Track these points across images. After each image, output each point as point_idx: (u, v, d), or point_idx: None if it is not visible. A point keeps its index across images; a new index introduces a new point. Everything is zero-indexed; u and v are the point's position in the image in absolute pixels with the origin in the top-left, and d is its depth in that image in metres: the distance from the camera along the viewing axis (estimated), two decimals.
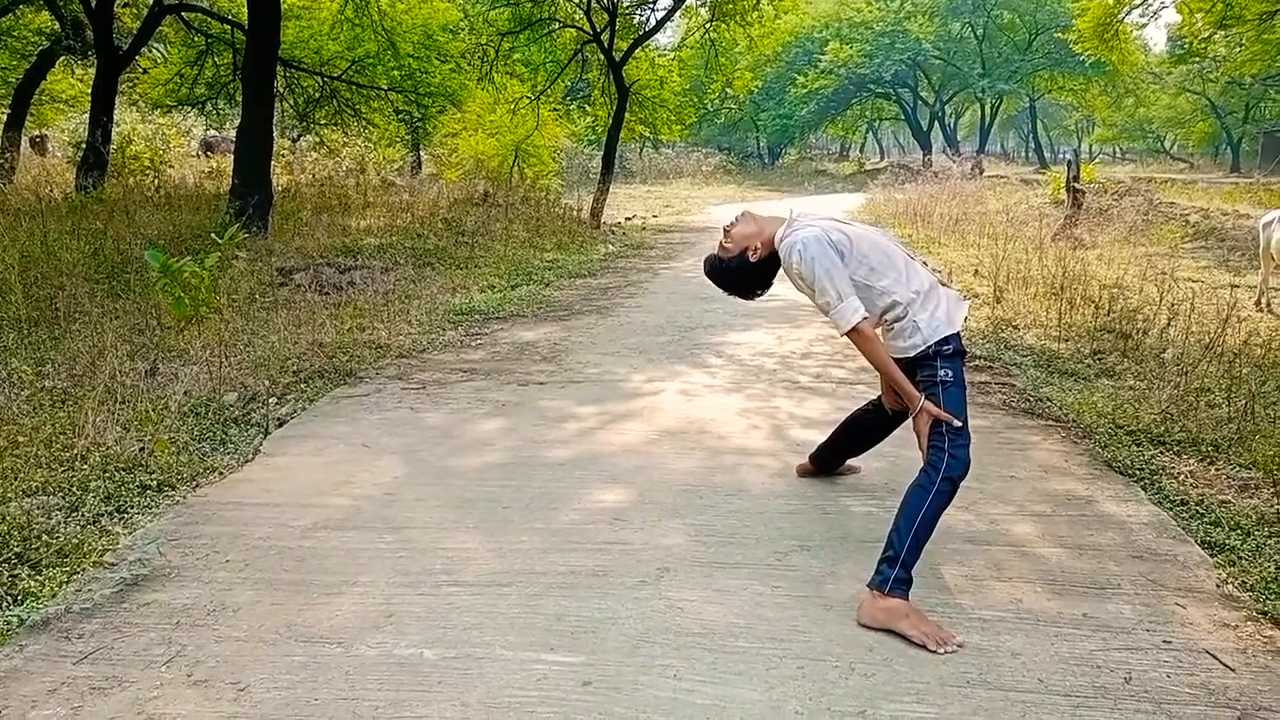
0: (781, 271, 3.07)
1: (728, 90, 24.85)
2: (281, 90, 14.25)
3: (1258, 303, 8.40)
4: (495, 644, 2.59)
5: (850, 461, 3.83)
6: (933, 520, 2.78)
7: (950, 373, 2.89)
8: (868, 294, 2.91)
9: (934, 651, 2.54)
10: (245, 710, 2.30)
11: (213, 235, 7.34)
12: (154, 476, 3.72)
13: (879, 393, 3.47)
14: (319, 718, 2.27)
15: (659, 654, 2.54)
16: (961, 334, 3.01)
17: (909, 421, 3.03)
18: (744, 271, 3.13)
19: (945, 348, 2.90)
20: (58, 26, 14.32)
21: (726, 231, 3.14)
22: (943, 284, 3.07)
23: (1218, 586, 2.95)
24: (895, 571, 2.69)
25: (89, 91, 13.78)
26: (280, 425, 4.52)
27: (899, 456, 3.76)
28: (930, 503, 2.77)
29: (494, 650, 2.56)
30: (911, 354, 2.92)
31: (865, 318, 2.85)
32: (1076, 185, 13.88)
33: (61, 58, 15.31)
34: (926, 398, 2.88)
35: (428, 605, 2.80)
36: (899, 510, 2.81)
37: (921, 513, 2.75)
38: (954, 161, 27.24)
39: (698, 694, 2.36)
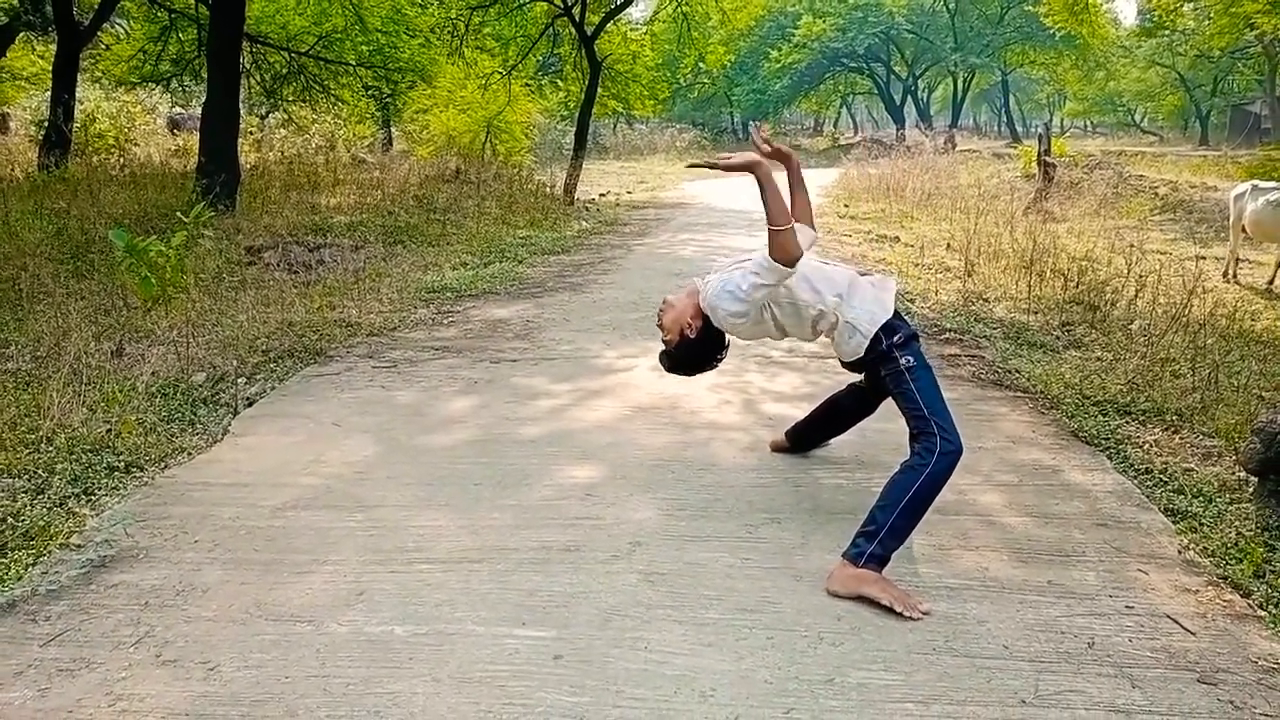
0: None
1: (701, 65, 24.70)
2: (248, 66, 14.01)
3: (1225, 274, 8.51)
4: (467, 620, 2.60)
5: None
6: (923, 501, 2.74)
7: (911, 358, 2.91)
8: (796, 314, 2.97)
9: (901, 615, 2.58)
10: (215, 690, 2.29)
11: (178, 214, 7.23)
12: (121, 458, 3.68)
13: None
14: (290, 695, 2.26)
15: (630, 627, 2.56)
16: (903, 314, 3.05)
17: (888, 402, 3.08)
18: (692, 349, 3.15)
19: (895, 337, 2.92)
20: (16, 2, 13.99)
21: (661, 326, 3.16)
22: (862, 273, 3.11)
23: (1179, 553, 3.00)
24: (872, 547, 2.70)
25: (50, 69, 13.50)
26: (249, 405, 4.48)
27: (868, 429, 3.78)
28: (922, 484, 2.72)
29: (465, 626, 2.57)
30: (863, 353, 2.95)
31: (782, 254, 2.77)
32: (1047, 159, 13.99)
33: (21, 34, 14.96)
34: (897, 393, 2.91)
35: (399, 582, 2.80)
36: (886, 488, 2.80)
37: (910, 493, 2.72)
38: (927, 136, 27.26)
39: (668, 665, 2.38)
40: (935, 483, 2.75)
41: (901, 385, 2.89)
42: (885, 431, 3.77)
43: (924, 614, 2.60)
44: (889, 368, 2.92)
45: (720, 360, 3.23)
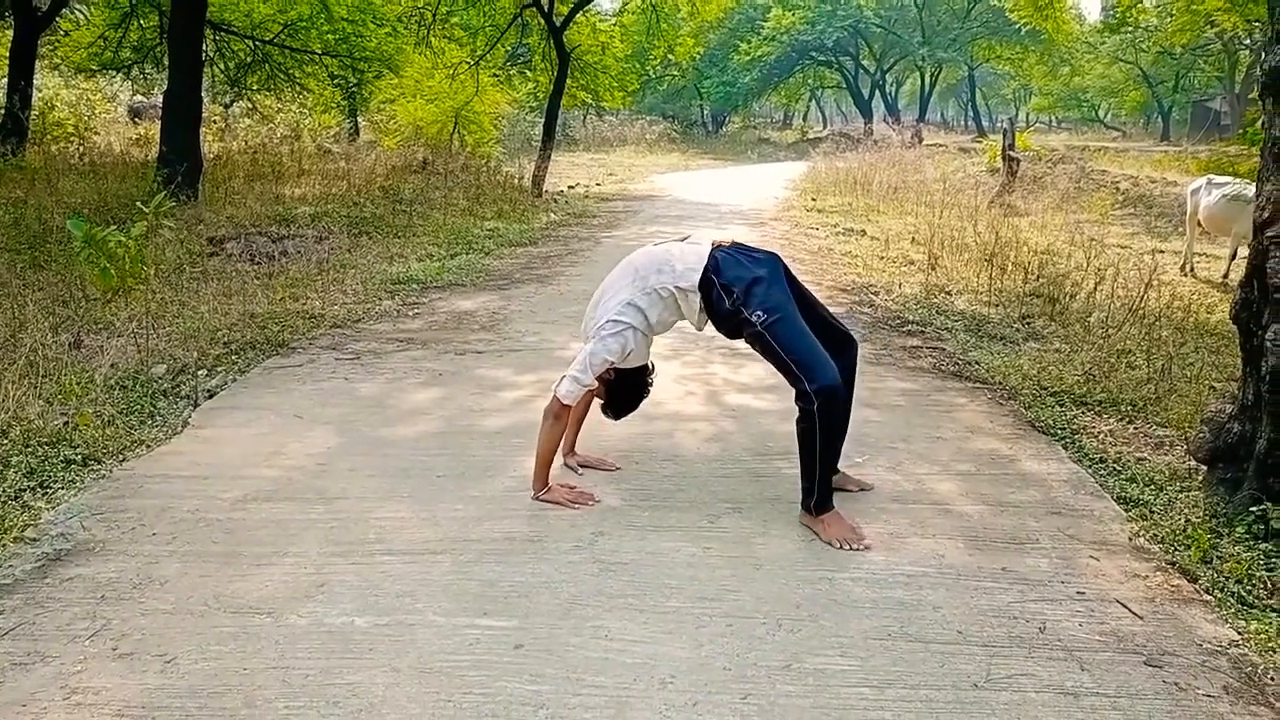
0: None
1: (670, 57, 24.68)
2: (211, 54, 13.81)
3: (1182, 267, 8.66)
4: (427, 610, 2.60)
5: None
6: (828, 444, 2.99)
7: (761, 313, 2.99)
8: (653, 302, 3.19)
9: (844, 548, 2.93)
10: (172, 682, 2.28)
11: (139, 204, 7.13)
12: (78, 451, 3.64)
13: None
14: (248, 687, 2.26)
15: (591, 615, 2.58)
16: (750, 255, 3.18)
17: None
18: (619, 388, 3.42)
19: (732, 296, 3.03)
20: None
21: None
22: (681, 239, 3.41)
23: (1130, 539, 3.07)
24: (814, 499, 3.02)
25: (6, 55, 13.23)
26: (210, 397, 4.44)
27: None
28: (819, 435, 2.94)
29: (426, 616, 2.57)
30: (713, 311, 3.12)
31: (567, 402, 3.19)
32: (1012, 153, 14.14)
33: None
34: (765, 355, 3.05)
35: (360, 574, 2.80)
36: (798, 447, 3.03)
37: (812, 448, 2.97)
38: (894, 130, 27.49)
39: (627, 653, 2.40)
40: (829, 426, 2.98)
41: (766, 347, 3.02)
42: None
43: (865, 548, 2.94)
44: (748, 331, 3.05)
45: (651, 386, 3.52)
